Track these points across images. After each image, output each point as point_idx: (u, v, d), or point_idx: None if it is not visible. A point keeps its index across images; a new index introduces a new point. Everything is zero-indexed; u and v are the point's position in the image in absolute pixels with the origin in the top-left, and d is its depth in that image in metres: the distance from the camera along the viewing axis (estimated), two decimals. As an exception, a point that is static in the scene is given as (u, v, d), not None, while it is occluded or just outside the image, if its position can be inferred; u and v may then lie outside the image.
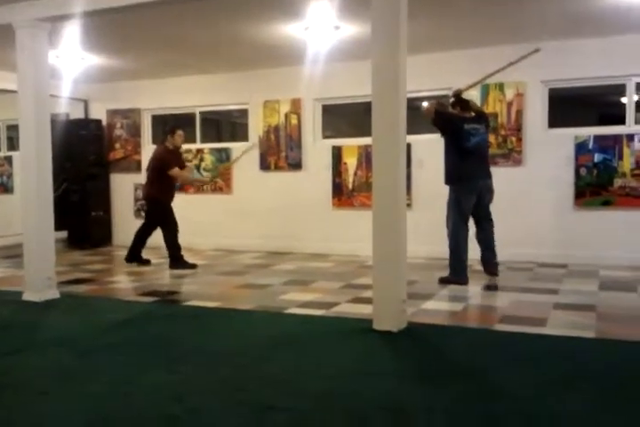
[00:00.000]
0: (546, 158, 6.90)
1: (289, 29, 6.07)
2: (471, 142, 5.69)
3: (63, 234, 8.62)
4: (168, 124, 8.05)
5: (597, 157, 6.71)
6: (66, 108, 9.01)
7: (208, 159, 8.64)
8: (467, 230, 5.78)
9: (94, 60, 7.46)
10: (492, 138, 6.82)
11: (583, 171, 6.76)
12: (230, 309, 4.89)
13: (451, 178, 5.77)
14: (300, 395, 2.94)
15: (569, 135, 6.84)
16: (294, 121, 8.08)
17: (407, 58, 4.09)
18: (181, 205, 7.25)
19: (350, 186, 7.82)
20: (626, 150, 6.61)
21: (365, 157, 7.60)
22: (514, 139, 7.00)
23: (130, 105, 9.06)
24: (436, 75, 7.13)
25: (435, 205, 6.71)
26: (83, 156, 8.93)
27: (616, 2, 5.33)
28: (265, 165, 8.28)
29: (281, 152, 8.17)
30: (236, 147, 8.39)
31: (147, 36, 6.39)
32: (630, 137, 6.60)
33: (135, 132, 9.12)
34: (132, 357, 3.61)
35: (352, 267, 6.81)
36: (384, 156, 4.04)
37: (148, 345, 3.87)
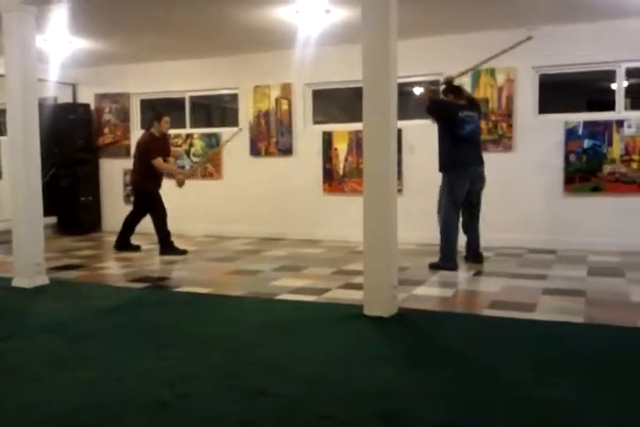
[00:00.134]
0: (536, 144, 6.91)
1: (279, 13, 6.01)
2: (466, 130, 5.69)
3: (52, 220, 8.57)
4: (154, 111, 7.96)
5: (587, 143, 6.72)
6: (54, 92, 8.88)
7: (198, 144, 8.59)
8: (458, 217, 5.81)
9: (82, 44, 7.37)
10: (482, 124, 6.80)
11: (573, 157, 6.78)
12: (221, 295, 4.89)
13: (445, 165, 5.76)
14: (291, 381, 2.95)
15: (559, 121, 6.85)
16: (285, 106, 8.04)
17: (398, 43, 4.07)
18: (171, 190, 7.20)
19: (341, 172, 7.81)
20: (615, 136, 6.62)
21: (356, 142, 7.58)
22: (504, 124, 7.00)
23: (118, 89, 8.98)
24: (427, 60, 7.10)
25: (426, 190, 6.72)
26: (71, 140, 8.85)
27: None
28: (255, 151, 8.24)
29: (271, 138, 8.13)
30: (225, 132, 8.33)
31: (135, 20, 6.31)
32: (620, 123, 6.61)
33: (124, 116, 9.04)
34: (122, 343, 3.62)
35: (343, 253, 6.82)
36: (375, 141, 4.03)
37: (139, 331, 3.87)
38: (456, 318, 4.12)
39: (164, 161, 6.94)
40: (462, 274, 5.58)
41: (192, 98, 8.78)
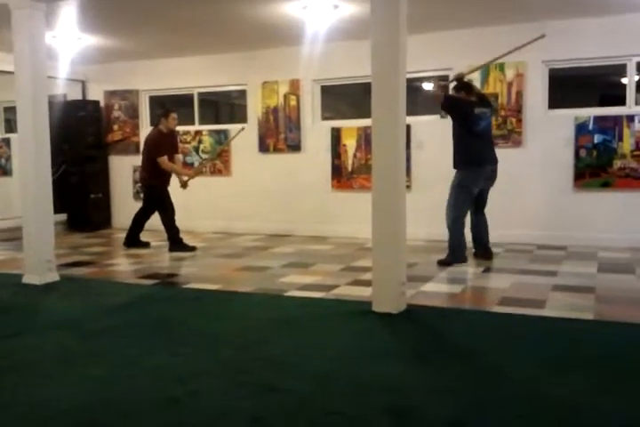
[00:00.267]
0: (546, 139, 6.87)
1: (287, 8, 6.00)
2: (480, 126, 5.69)
3: (62, 217, 8.62)
4: (163, 107, 7.96)
5: (597, 138, 6.68)
6: (63, 89, 8.93)
7: (207, 141, 8.60)
8: (466, 214, 5.80)
9: (91, 41, 7.40)
10: (492, 119, 6.79)
11: (583, 152, 6.74)
12: (230, 291, 4.90)
13: (462, 162, 5.71)
14: (300, 377, 2.96)
15: (569, 116, 6.81)
16: (293, 102, 8.03)
17: (407, 37, 4.05)
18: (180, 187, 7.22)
19: (349, 168, 7.80)
20: (626, 131, 6.58)
21: (365, 138, 7.56)
22: (514, 120, 6.97)
23: (128, 86, 9.00)
24: (436, 55, 7.07)
25: (434, 187, 6.71)
26: (81, 137, 8.89)
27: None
28: (264, 147, 8.25)
29: (280, 134, 8.13)
30: (234, 128, 8.33)
31: (144, 17, 6.32)
32: (630, 118, 6.56)
33: (133, 113, 9.06)
34: (132, 339, 3.63)
35: (351, 249, 6.82)
36: (384, 137, 4.01)
37: (149, 328, 3.88)
38: (465, 315, 4.12)
39: (172, 158, 6.94)
40: (471, 270, 5.57)
41: (200, 94, 8.79)
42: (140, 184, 8.01)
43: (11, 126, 9.19)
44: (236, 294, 4.83)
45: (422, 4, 5.69)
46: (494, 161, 5.82)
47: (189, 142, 8.64)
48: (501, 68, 6.92)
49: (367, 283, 4.45)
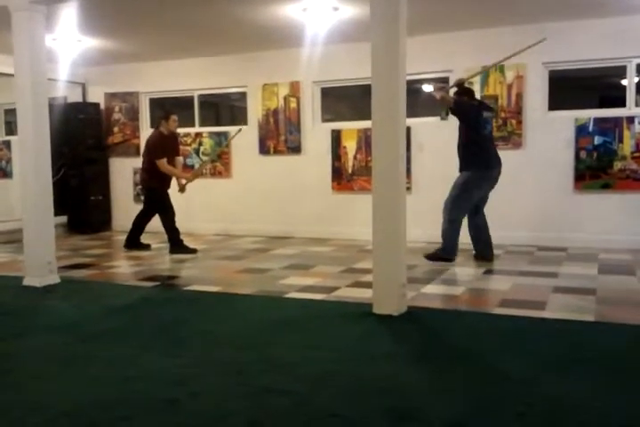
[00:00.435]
0: (546, 141, 6.87)
1: (287, 11, 6.01)
2: (487, 130, 5.79)
3: (63, 219, 8.62)
4: (162, 110, 7.96)
5: (597, 140, 6.68)
6: (63, 91, 8.94)
7: (207, 143, 8.61)
8: (464, 217, 5.82)
9: (91, 43, 7.40)
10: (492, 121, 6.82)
11: (583, 154, 6.74)
12: (231, 293, 4.90)
13: (472, 164, 5.71)
14: (300, 378, 2.95)
15: (569, 118, 6.81)
16: (293, 104, 8.04)
17: (407, 39, 4.05)
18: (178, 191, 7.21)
19: (350, 170, 7.80)
20: (626, 133, 6.58)
21: (365, 140, 7.57)
22: (514, 121, 6.97)
23: (128, 88, 9.01)
24: (436, 57, 7.08)
25: (435, 188, 6.71)
26: (81, 140, 8.90)
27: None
28: (264, 149, 8.25)
29: (280, 136, 8.14)
30: (234, 130, 8.31)
31: (144, 19, 6.33)
32: (630, 119, 6.56)
33: (133, 115, 9.07)
34: (132, 341, 3.63)
35: (352, 251, 6.82)
36: (384, 139, 4.01)
37: (149, 329, 3.88)
38: (466, 317, 4.11)
39: (172, 161, 6.94)
40: (472, 272, 5.56)
41: (201, 96, 8.80)
42: (140, 186, 8.02)
43: (11, 129, 9.20)
44: (237, 296, 4.83)
45: (422, 6, 5.69)
46: (500, 164, 5.84)
47: (190, 144, 8.64)
48: (501, 69, 6.92)
49: (368, 285, 4.45)
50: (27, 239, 5.25)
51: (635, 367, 3.06)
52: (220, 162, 8.44)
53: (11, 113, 8.77)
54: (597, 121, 6.67)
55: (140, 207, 7.29)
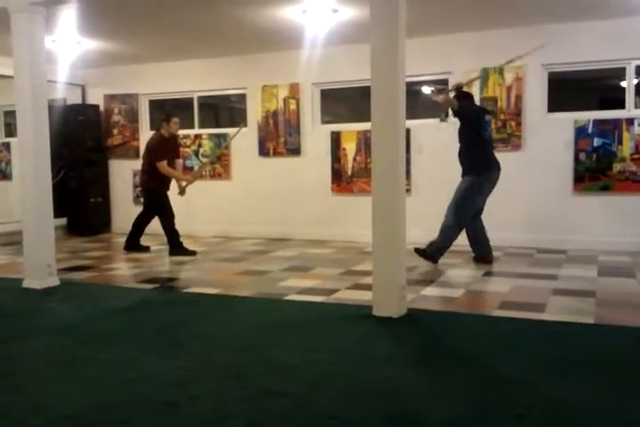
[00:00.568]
0: (545, 143, 6.87)
1: (287, 12, 6.01)
2: (488, 132, 5.79)
3: (62, 221, 8.61)
4: (163, 112, 7.97)
5: (597, 142, 6.68)
6: (63, 93, 8.94)
7: (207, 145, 8.61)
8: (465, 223, 5.83)
9: (91, 45, 7.41)
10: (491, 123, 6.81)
11: (582, 155, 6.74)
12: (230, 295, 4.89)
13: (474, 167, 5.73)
14: (299, 380, 2.95)
15: (568, 119, 6.81)
16: (293, 106, 8.04)
17: (406, 41, 4.05)
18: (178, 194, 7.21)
19: (349, 171, 7.80)
20: (625, 135, 6.58)
21: (364, 142, 7.57)
22: (513, 123, 6.98)
23: (127, 90, 9.01)
24: (435, 58, 7.09)
25: (434, 190, 6.72)
26: (81, 142, 8.90)
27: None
28: (264, 151, 8.25)
29: (279, 138, 8.14)
30: (234, 132, 8.33)
31: (144, 20, 6.33)
32: (630, 121, 6.57)
33: (133, 117, 9.07)
34: (132, 343, 3.63)
35: (351, 253, 6.81)
36: (383, 141, 4.01)
37: (148, 332, 3.88)
38: (465, 319, 4.10)
39: (172, 163, 6.94)
40: (471, 274, 5.56)
41: (200, 98, 8.80)
42: (140, 188, 8.01)
43: (11, 130, 9.20)
44: (236, 298, 4.82)
45: (422, 8, 5.70)
46: (499, 168, 5.85)
47: (189, 146, 8.64)
48: (500, 71, 6.93)
49: (367, 287, 4.44)
50: (26, 241, 5.25)
51: (634, 369, 3.06)
52: (219, 164, 8.44)
53: (10, 115, 8.77)
54: (597, 123, 6.68)
55: (139, 209, 7.28)
